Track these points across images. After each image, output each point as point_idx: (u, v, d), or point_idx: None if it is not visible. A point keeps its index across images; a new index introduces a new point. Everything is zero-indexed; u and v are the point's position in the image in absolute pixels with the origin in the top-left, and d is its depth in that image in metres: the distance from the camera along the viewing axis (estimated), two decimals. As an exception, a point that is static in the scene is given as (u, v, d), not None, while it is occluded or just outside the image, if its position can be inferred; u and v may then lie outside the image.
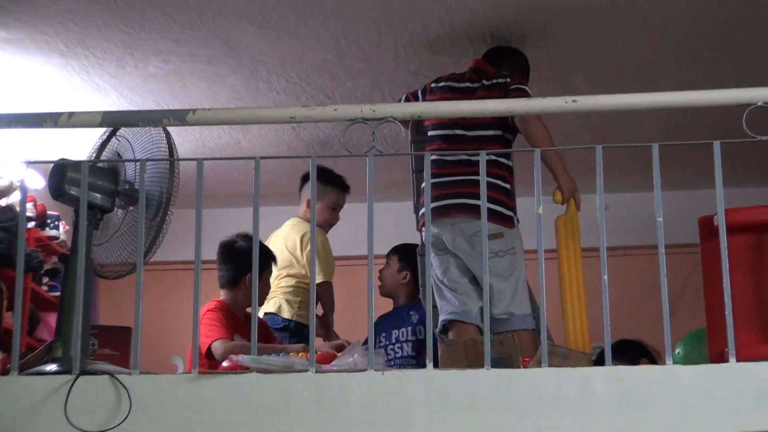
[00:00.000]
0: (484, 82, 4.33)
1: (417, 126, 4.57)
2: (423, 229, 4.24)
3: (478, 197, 3.93)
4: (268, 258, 4.82)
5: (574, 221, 4.01)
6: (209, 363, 4.44)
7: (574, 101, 3.35)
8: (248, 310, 4.76)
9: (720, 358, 3.11)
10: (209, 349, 4.46)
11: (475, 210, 4.00)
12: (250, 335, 4.51)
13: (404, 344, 4.83)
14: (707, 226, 3.30)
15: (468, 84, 4.36)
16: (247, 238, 4.80)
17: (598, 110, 3.68)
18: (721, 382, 3.01)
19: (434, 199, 4.09)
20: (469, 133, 4.23)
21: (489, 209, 4.01)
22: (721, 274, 3.09)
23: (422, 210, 4.19)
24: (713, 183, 3.17)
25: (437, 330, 4.18)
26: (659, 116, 5.64)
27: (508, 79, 4.29)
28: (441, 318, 4.18)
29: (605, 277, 3.15)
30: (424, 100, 4.38)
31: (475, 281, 4.14)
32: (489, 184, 4.05)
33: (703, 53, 5.09)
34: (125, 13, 4.70)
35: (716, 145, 3.19)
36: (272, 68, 5.27)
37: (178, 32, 4.89)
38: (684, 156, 6.07)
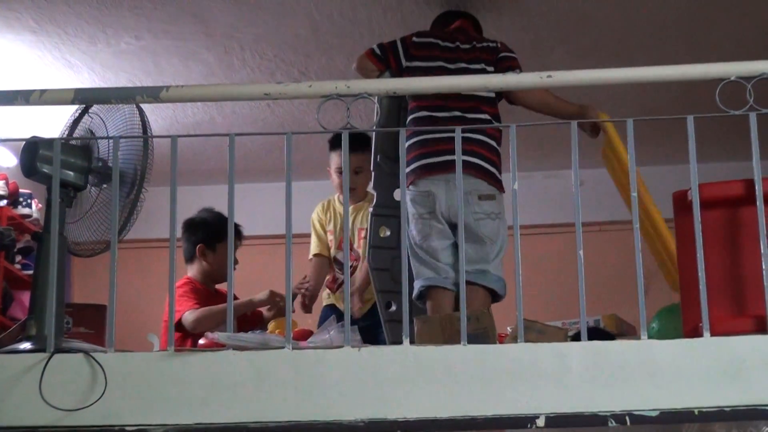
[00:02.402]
0: (475, 44, 4.24)
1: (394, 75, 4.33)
2: (409, 187, 4.05)
3: (477, 156, 3.98)
4: (222, 231, 4.77)
5: (615, 142, 3.95)
6: (181, 337, 4.47)
7: (549, 76, 3.35)
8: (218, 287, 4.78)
9: (694, 332, 3.12)
10: (180, 323, 4.49)
11: (474, 168, 3.98)
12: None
13: None
14: (681, 201, 3.31)
15: (459, 44, 4.24)
16: (207, 210, 4.80)
17: (574, 85, 3.67)
18: (695, 357, 3.03)
19: (428, 155, 4.01)
20: (464, 91, 4.10)
21: (486, 170, 4.01)
22: (695, 248, 3.11)
23: (410, 167, 4.02)
24: (687, 158, 3.19)
25: (414, 296, 4.05)
26: (634, 91, 5.66)
27: (499, 45, 4.25)
28: (420, 284, 4.04)
29: (581, 252, 3.15)
30: (407, 54, 4.23)
31: (454, 246, 4.04)
32: (487, 144, 4.04)
33: (677, 28, 5.10)
34: (97, -12, 4.67)
35: (690, 119, 3.20)
36: (246, 45, 5.24)
37: (151, 8, 4.85)
38: (658, 131, 6.09)
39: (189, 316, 4.49)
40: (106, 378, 3.02)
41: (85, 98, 3.47)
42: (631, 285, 3.15)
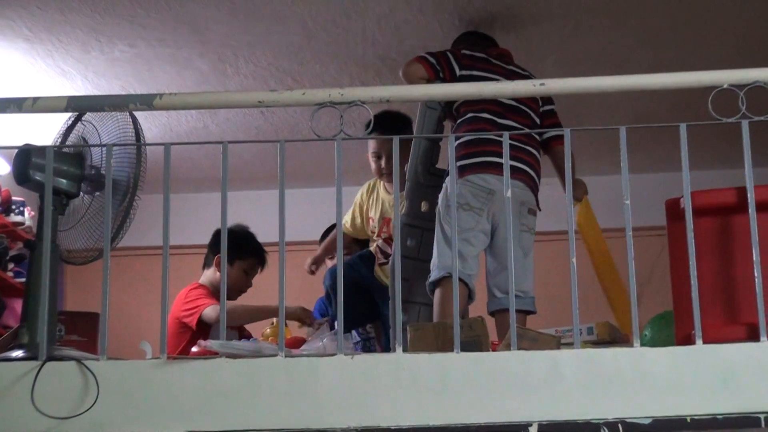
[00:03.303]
0: (530, 75, 4.32)
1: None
2: (462, 179, 4.00)
3: (534, 170, 4.14)
4: (248, 252, 4.84)
5: (591, 216, 4.09)
6: (191, 337, 4.51)
7: (542, 84, 3.37)
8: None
9: (687, 340, 3.12)
10: (200, 320, 4.54)
11: (531, 180, 4.12)
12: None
13: None
14: (674, 209, 3.31)
15: (513, 68, 4.31)
16: (239, 226, 4.84)
17: (566, 93, 3.68)
18: (688, 364, 3.03)
19: (494, 153, 3.98)
20: (521, 106, 4.19)
21: (538, 186, 4.16)
22: (688, 256, 3.11)
23: (473, 159, 4.01)
24: (680, 165, 3.19)
25: (429, 280, 4.02)
26: (627, 99, 5.67)
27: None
28: (443, 272, 3.97)
29: (573, 259, 3.16)
30: (459, 64, 4.23)
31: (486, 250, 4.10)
32: (539, 161, 4.18)
33: (670, 37, 5.11)
34: (90, -4, 4.67)
35: (682, 127, 3.21)
36: (240, 52, 5.25)
37: (144, 16, 4.85)
38: (651, 139, 6.11)
39: (211, 310, 4.55)
40: (98, 386, 3.01)
41: (78, 106, 3.47)
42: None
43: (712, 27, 5.02)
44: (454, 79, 4.21)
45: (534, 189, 4.16)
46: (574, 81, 3.39)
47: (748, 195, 3.15)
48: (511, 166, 3.91)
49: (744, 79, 3.19)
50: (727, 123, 3.18)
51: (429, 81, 4.22)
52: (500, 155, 3.87)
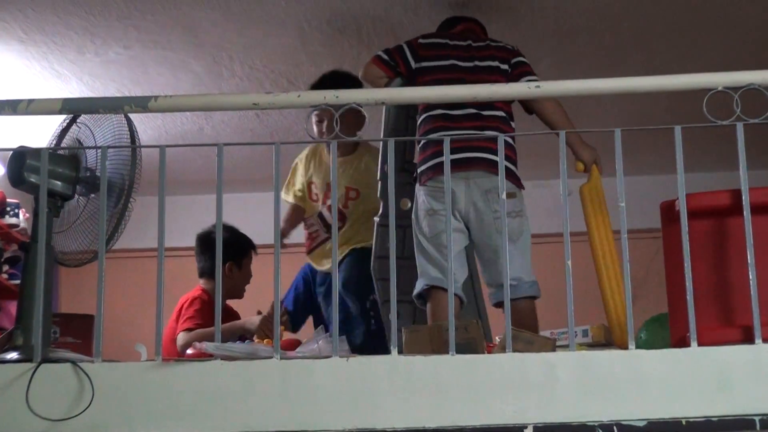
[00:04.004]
0: (490, 43, 4.20)
1: (405, 79, 4.23)
2: (423, 185, 3.99)
3: (494, 152, 3.81)
4: (247, 246, 4.87)
5: (598, 187, 3.99)
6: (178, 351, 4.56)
7: (537, 87, 3.37)
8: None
9: (682, 342, 3.13)
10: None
11: (492, 165, 3.87)
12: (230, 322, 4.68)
13: None
14: (669, 211, 3.32)
15: (471, 43, 4.18)
16: (225, 228, 4.81)
17: (562, 95, 3.68)
18: (683, 367, 3.03)
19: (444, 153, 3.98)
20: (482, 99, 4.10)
21: (506, 168, 3.81)
22: (683, 258, 3.11)
23: (427, 164, 3.98)
24: (675, 168, 3.19)
25: (414, 294, 3.98)
26: (622, 101, 5.68)
27: (515, 48, 4.21)
28: (424, 282, 3.95)
29: (569, 262, 3.16)
30: (415, 55, 4.16)
31: (466, 254, 4.05)
32: (504, 141, 3.81)
33: (665, 39, 5.12)
34: (85, -2, 4.67)
35: (677, 129, 3.21)
36: (235, 54, 5.25)
37: (139, 18, 4.85)
38: (646, 141, 6.12)
39: (181, 337, 4.59)
40: (93, 388, 3.01)
41: (73, 108, 3.46)
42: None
43: (708, 29, 5.03)
44: (410, 72, 4.15)
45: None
46: (569, 83, 3.39)
47: (743, 197, 3.15)
48: (467, 158, 3.91)
49: (739, 82, 3.19)
50: (722, 125, 3.18)
51: (389, 81, 4.17)
52: (454, 152, 3.62)
